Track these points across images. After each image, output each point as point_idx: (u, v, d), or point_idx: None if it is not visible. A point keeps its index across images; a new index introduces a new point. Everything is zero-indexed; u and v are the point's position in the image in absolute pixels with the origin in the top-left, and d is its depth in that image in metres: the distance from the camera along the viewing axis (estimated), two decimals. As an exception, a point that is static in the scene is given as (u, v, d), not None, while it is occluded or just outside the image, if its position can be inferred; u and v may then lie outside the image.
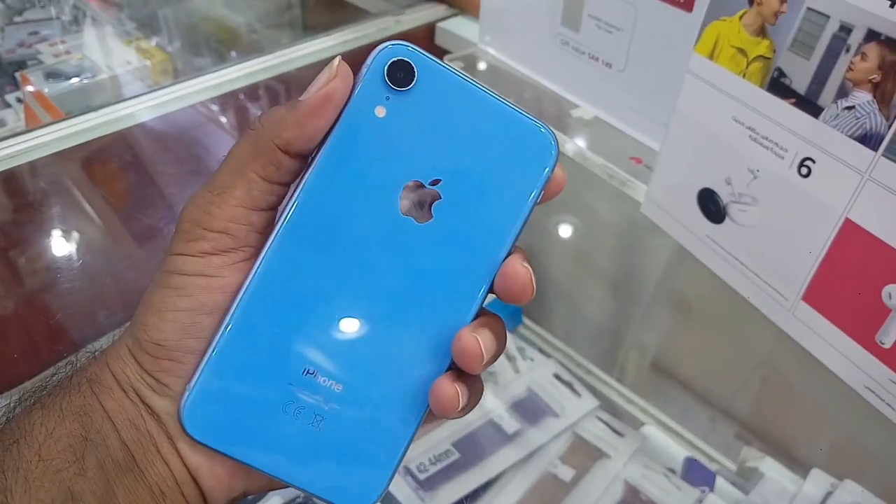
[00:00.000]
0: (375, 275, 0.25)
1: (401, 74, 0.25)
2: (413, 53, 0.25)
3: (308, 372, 0.25)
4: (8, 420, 0.26)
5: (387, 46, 0.25)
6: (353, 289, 0.26)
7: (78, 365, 0.27)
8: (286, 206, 0.26)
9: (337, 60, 0.25)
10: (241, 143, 0.26)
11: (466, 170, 0.25)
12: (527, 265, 0.26)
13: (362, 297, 0.26)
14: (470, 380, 0.27)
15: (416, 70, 0.25)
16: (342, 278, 0.25)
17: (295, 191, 0.25)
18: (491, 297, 0.27)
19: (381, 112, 0.25)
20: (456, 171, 0.25)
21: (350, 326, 0.26)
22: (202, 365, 0.25)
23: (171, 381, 0.26)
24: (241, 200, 0.25)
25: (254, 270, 0.25)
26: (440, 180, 0.25)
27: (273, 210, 0.27)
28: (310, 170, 0.25)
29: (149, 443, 0.26)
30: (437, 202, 0.25)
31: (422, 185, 0.25)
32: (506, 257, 0.26)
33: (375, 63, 0.25)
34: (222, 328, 0.25)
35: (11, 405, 0.26)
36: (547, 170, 0.26)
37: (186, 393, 0.25)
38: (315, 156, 0.25)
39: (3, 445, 0.25)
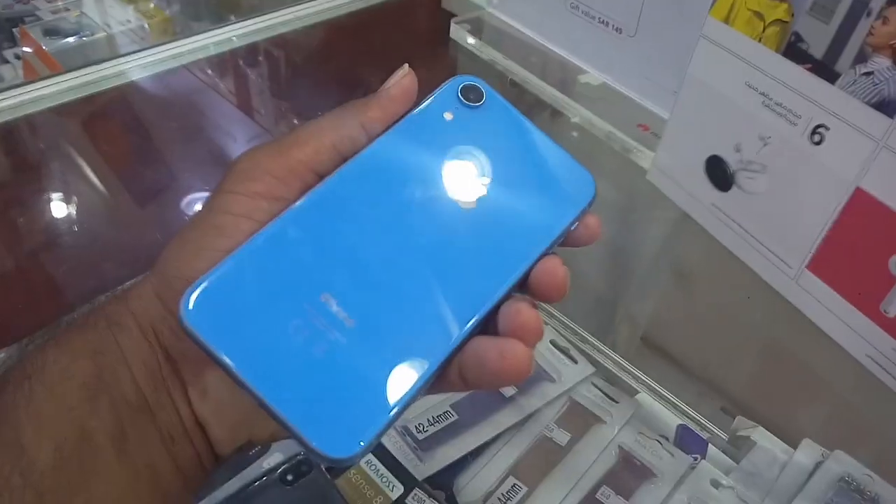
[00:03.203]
0: (411, 234, 0.27)
1: (472, 95, 0.30)
2: (485, 85, 0.30)
3: (325, 297, 0.25)
4: (20, 359, 0.25)
5: (464, 76, 0.30)
6: (389, 238, 0.27)
7: (97, 305, 0.27)
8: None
9: (406, 66, 0.30)
10: (324, 117, 0.28)
11: (513, 181, 0.29)
12: (565, 267, 0.28)
13: (396, 247, 0.27)
14: None
15: (484, 94, 0.30)
16: (381, 227, 0.27)
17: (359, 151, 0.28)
18: None
19: (448, 116, 0.29)
20: (504, 179, 0.29)
21: (378, 269, 0.26)
22: (223, 262, 0.25)
23: None
24: (308, 157, 0.27)
25: (303, 198, 0.27)
26: (489, 180, 0.29)
27: None
28: (376, 139, 0.28)
29: (162, 387, 0.26)
30: (480, 196, 0.28)
31: (471, 177, 0.29)
32: (536, 261, 0.28)
33: (452, 83, 0.30)
34: (257, 234, 0.26)
35: (24, 343, 0.26)
36: (585, 202, 0.30)
37: (195, 283, 0.24)
38: (379, 135, 0.29)
39: (14, 382, 0.24)
